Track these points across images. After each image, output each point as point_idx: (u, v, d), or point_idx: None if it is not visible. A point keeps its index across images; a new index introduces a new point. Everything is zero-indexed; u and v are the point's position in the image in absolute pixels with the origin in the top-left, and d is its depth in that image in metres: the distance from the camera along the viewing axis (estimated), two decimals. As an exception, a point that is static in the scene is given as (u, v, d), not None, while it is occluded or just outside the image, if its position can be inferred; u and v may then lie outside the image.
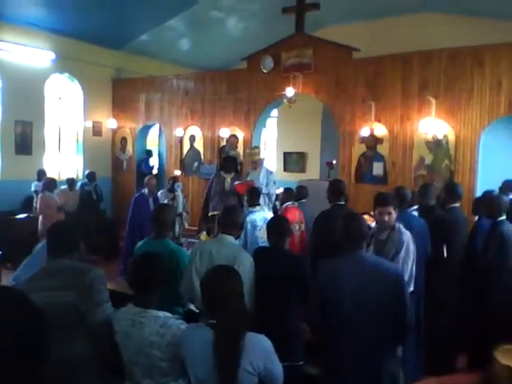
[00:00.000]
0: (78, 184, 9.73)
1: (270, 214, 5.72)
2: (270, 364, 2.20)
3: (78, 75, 11.13)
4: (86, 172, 10.15)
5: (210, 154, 10.56)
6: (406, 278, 3.58)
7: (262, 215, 5.53)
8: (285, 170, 13.19)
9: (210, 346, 2.11)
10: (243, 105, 9.99)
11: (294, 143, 13.06)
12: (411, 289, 3.67)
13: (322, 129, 12.55)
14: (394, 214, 3.72)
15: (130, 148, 11.86)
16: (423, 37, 9.19)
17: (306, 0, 8.76)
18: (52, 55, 10.28)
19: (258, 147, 8.24)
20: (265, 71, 9.32)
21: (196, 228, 8.32)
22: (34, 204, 8.68)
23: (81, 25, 9.97)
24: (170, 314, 2.45)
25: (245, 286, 2.44)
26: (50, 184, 8.31)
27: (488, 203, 4.85)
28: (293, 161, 13.24)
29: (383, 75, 8.34)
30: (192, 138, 10.86)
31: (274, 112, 11.92)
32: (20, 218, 8.81)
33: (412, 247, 3.68)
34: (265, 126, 11.11)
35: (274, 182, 7.27)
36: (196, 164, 10.75)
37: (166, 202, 7.80)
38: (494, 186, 6.32)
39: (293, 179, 10.08)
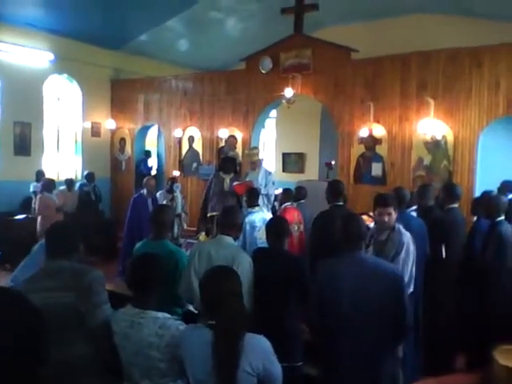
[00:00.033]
0: (77, 185, 9.72)
1: (268, 215, 5.72)
2: (269, 365, 2.20)
3: (76, 76, 11.13)
4: (85, 173, 10.14)
5: (209, 155, 10.56)
6: (406, 279, 3.58)
7: (260, 216, 5.54)
8: (284, 170, 13.18)
9: (208, 346, 2.11)
10: (242, 105, 9.99)
11: (292, 144, 13.06)
12: (411, 290, 3.67)
13: (320, 129, 12.56)
14: (394, 215, 3.72)
15: (128, 149, 11.85)
16: (422, 37, 9.19)
17: (304, 1, 8.77)
18: (50, 56, 10.28)
19: (256, 148, 8.23)
20: (263, 72, 9.33)
21: (195, 229, 8.31)
22: (33, 205, 8.67)
23: (79, 25, 9.96)
24: (168, 315, 2.44)
25: (243, 287, 2.44)
26: (49, 185, 8.30)
27: (487, 204, 4.86)
28: (292, 161, 13.23)
29: (382, 76, 8.35)
30: (191, 139, 10.86)
31: (273, 113, 11.91)
32: (19, 219, 8.80)
33: (412, 248, 3.68)
34: (264, 127, 11.11)
35: (273, 183, 7.27)
36: (195, 165, 10.75)
37: (164, 202, 7.80)
38: (493, 186, 6.33)
39: (292, 180, 10.09)
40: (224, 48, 11.95)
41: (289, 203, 6.05)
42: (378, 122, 8.40)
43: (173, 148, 11.13)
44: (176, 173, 10.26)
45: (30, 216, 8.74)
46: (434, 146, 7.87)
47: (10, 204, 9.37)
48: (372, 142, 8.47)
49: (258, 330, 2.22)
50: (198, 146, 10.77)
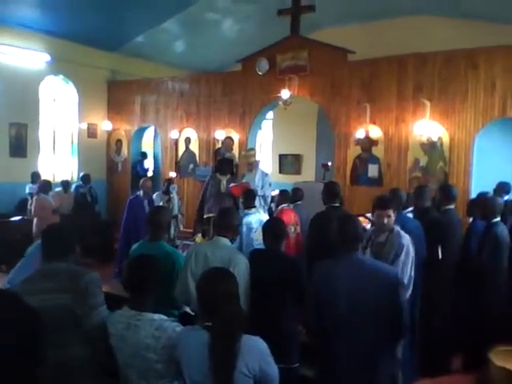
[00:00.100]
0: (73, 186, 9.70)
1: (265, 216, 5.72)
2: (266, 366, 2.20)
3: (72, 77, 11.11)
4: (81, 174, 10.12)
5: (206, 156, 10.56)
6: (406, 281, 3.59)
7: (257, 217, 5.53)
8: (280, 171, 13.20)
9: (205, 348, 2.11)
10: (238, 107, 9.99)
11: (289, 145, 13.08)
12: (410, 292, 3.67)
13: (317, 131, 12.57)
14: (393, 217, 3.73)
15: (125, 150, 11.84)
16: (418, 39, 9.23)
17: (301, 2, 8.78)
18: (47, 57, 10.26)
19: (253, 149, 8.24)
20: (260, 73, 9.33)
21: (191, 230, 8.32)
22: (29, 206, 8.64)
23: (76, 27, 9.95)
24: (165, 317, 2.44)
25: (240, 288, 2.44)
26: (45, 186, 8.28)
27: (482, 205, 4.88)
28: (288, 163, 13.25)
29: (378, 77, 8.37)
30: (187, 140, 10.85)
31: (270, 114, 11.93)
32: (14, 221, 8.77)
33: (411, 250, 3.69)
34: (260, 128, 11.12)
35: (270, 184, 7.28)
36: (191, 166, 10.74)
37: (161, 204, 7.79)
38: (489, 187, 6.36)
39: (288, 181, 10.09)
40: (220, 49, 11.96)
41: (285, 204, 6.05)
42: (374, 123, 8.42)
43: (169, 149, 11.12)
44: (172, 174, 10.26)
45: (25, 218, 8.70)
46: (430, 148, 7.90)
47: (6, 205, 9.33)
48: (368, 143, 8.49)
49: (254, 331, 2.22)
50: (194, 147, 10.77)
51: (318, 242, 4.54)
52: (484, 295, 4.56)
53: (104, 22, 10.01)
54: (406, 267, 3.63)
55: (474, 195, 6.75)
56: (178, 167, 10.92)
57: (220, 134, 10.10)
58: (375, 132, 8.42)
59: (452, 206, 4.91)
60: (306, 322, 3.19)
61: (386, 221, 3.68)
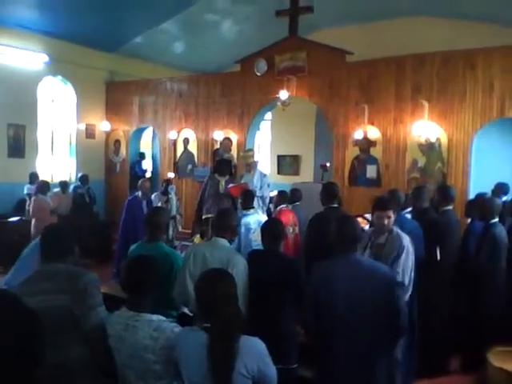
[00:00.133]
0: (71, 187, 9.69)
1: (263, 217, 5.72)
2: (264, 367, 2.20)
3: (71, 78, 11.10)
4: (79, 175, 10.11)
5: (204, 157, 10.56)
6: (406, 282, 3.60)
7: (255, 218, 5.54)
8: (279, 172, 13.20)
9: (204, 349, 2.11)
10: (237, 108, 10.00)
11: (287, 146, 13.08)
12: (409, 293, 3.67)
13: (315, 132, 12.58)
14: (393, 218, 3.74)
15: (123, 151, 11.83)
16: (416, 40, 9.24)
17: (299, 3, 8.79)
18: (45, 58, 10.25)
19: (251, 150, 8.24)
20: (258, 74, 9.34)
21: (190, 231, 8.31)
22: (27, 207, 8.63)
23: (74, 27, 9.94)
24: (163, 318, 2.44)
25: (238, 289, 2.44)
26: (43, 187, 8.27)
27: (481, 206, 4.88)
28: (286, 163, 13.26)
29: (376, 78, 8.38)
30: (186, 141, 10.86)
31: (268, 115, 11.94)
32: (12, 221, 8.75)
33: (411, 251, 3.70)
34: (259, 129, 11.12)
35: (268, 185, 7.28)
36: (190, 167, 10.75)
37: (159, 204, 7.78)
38: (487, 188, 6.36)
39: (287, 182, 10.09)
40: (219, 50, 11.97)
41: (284, 205, 6.05)
42: (372, 124, 8.43)
43: (168, 150, 11.12)
44: (171, 175, 10.26)
45: (23, 218, 8.70)
46: (429, 149, 7.91)
47: (4, 206, 9.32)
48: (367, 144, 8.50)
49: (253, 332, 2.22)
50: (192, 147, 10.77)
51: (317, 243, 4.54)
52: (482, 296, 4.57)
53: (102, 23, 10.01)
54: (407, 268, 3.63)
55: (472, 196, 6.76)
56: (176, 168, 10.92)
57: (218, 135, 10.10)
58: (373, 133, 8.43)
59: (450, 207, 4.92)
60: (305, 322, 3.19)
61: (385, 222, 3.69)
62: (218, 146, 10.07)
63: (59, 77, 10.99)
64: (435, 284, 4.48)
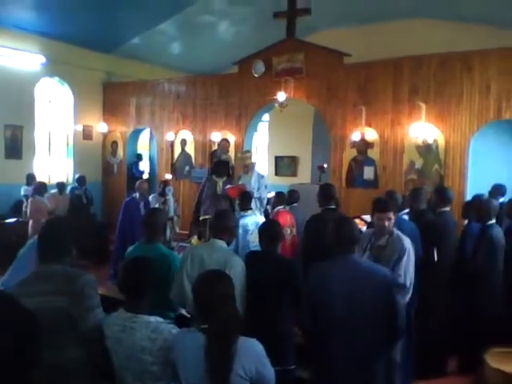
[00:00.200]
0: (68, 188, 9.67)
1: (261, 219, 5.72)
2: (262, 368, 2.20)
3: (68, 79, 11.08)
4: (76, 176, 10.10)
5: (201, 158, 10.56)
6: (408, 283, 3.60)
7: (253, 219, 5.53)
8: (276, 174, 13.21)
9: (201, 350, 2.11)
10: (234, 109, 10.00)
11: (285, 147, 13.09)
12: (410, 295, 3.68)
13: (313, 133, 12.60)
14: (393, 220, 3.74)
15: (120, 152, 11.82)
16: (413, 42, 9.27)
17: (297, 5, 8.80)
18: (42, 59, 10.23)
19: (249, 151, 8.24)
20: (256, 76, 9.35)
21: (187, 232, 8.30)
22: (24, 208, 8.60)
23: (71, 28, 9.94)
24: (161, 319, 2.43)
25: (236, 290, 2.44)
26: (41, 188, 8.25)
27: (478, 207, 4.89)
28: (284, 165, 13.27)
29: (374, 80, 8.40)
30: (183, 142, 10.85)
31: (266, 116, 11.94)
32: (9, 223, 8.73)
33: (412, 253, 3.70)
34: (256, 130, 11.12)
35: (266, 186, 7.28)
36: (187, 168, 10.74)
37: (157, 206, 7.78)
38: (484, 190, 6.38)
39: (284, 183, 10.10)
40: (216, 51, 11.97)
41: (281, 206, 6.05)
42: (370, 125, 8.44)
43: (165, 151, 11.11)
44: (168, 176, 10.25)
45: (20, 220, 8.67)
46: (426, 150, 7.93)
47: (1, 207, 9.30)
48: (364, 145, 8.51)
49: (250, 333, 2.22)
50: (190, 149, 10.77)
51: (314, 244, 4.54)
52: (479, 297, 4.58)
53: (99, 24, 10.01)
54: (409, 270, 3.63)
55: (469, 197, 6.77)
56: (173, 169, 10.92)
57: (216, 136, 10.10)
58: (371, 134, 8.45)
59: (447, 209, 4.93)
60: (302, 323, 3.19)
61: (386, 223, 3.69)
62: (215, 147, 10.07)
63: (56, 78, 10.98)
64: (432, 285, 4.48)
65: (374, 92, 8.38)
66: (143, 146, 13.01)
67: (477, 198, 5.49)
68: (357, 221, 4.68)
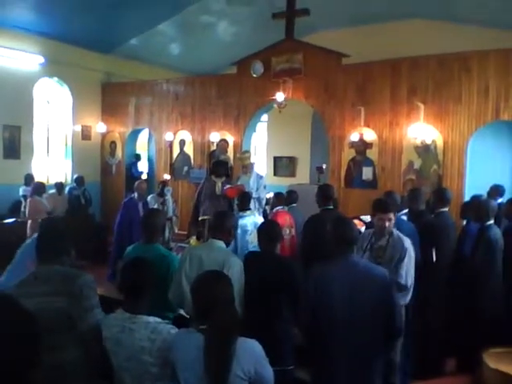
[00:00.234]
0: (67, 188, 9.66)
1: (260, 219, 5.72)
2: (261, 369, 2.19)
3: (67, 79, 11.07)
4: (75, 176, 10.10)
5: (200, 159, 10.56)
6: (409, 284, 3.60)
7: (252, 220, 5.53)
8: (275, 174, 13.21)
9: (200, 351, 2.11)
10: (233, 109, 10.00)
11: (284, 148, 13.09)
12: (410, 295, 3.68)
13: (311, 133, 12.61)
14: (394, 220, 3.74)
15: (119, 152, 11.81)
16: (412, 43, 9.28)
17: (295, 6, 8.81)
18: (41, 59, 10.22)
19: (248, 151, 8.24)
20: (255, 76, 9.35)
21: (186, 232, 8.30)
22: (22, 209, 8.59)
23: (70, 29, 9.93)
24: (160, 320, 2.43)
25: (234, 290, 2.44)
26: (39, 188, 8.23)
27: (476, 208, 4.90)
28: (283, 165, 13.27)
29: (372, 81, 8.41)
30: (182, 143, 10.85)
31: (264, 117, 11.95)
32: (8, 223, 8.71)
33: (413, 253, 3.70)
34: (255, 131, 11.13)
35: (265, 187, 7.28)
36: (186, 168, 10.74)
37: (155, 206, 7.78)
38: (482, 190, 6.39)
39: (283, 183, 10.10)
40: (215, 52, 11.98)
41: (280, 207, 6.05)
42: (368, 126, 8.45)
43: (164, 151, 11.11)
44: (167, 176, 10.24)
45: (19, 220, 8.66)
46: (424, 151, 7.94)
47: (-1, 208, 9.30)
48: (363, 146, 8.52)
49: (249, 333, 2.22)
50: (189, 149, 10.77)
51: (313, 245, 4.55)
52: (477, 298, 4.58)
53: (98, 24, 10.00)
54: (410, 270, 3.64)
55: (467, 198, 6.78)
56: (172, 169, 10.91)
57: (215, 137, 10.10)
58: (369, 135, 8.46)
59: (446, 209, 4.93)
60: (299, 322, 3.19)
61: (387, 224, 3.69)
62: (214, 147, 10.07)
63: (55, 78, 10.97)
64: (431, 285, 4.49)
65: (373, 92, 8.39)
66: (142, 146, 13.00)
67: (475, 199, 5.50)
68: (355, 221, 4.69)
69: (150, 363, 2.32)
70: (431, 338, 4.57)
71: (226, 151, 9.62)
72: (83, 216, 9.45)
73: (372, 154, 8.46)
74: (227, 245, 3.50)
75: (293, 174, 12.96)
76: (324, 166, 9.30)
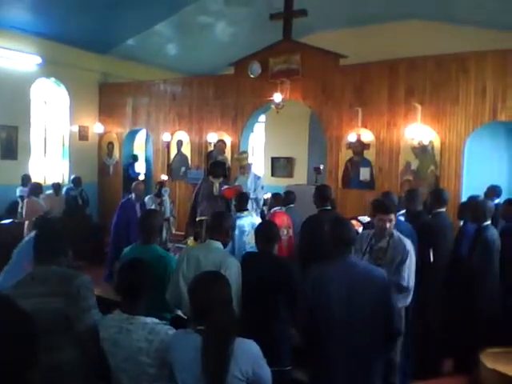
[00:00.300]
0: (64, 189, 9.64)
1: (257, 219, 5.72)
2: (259, 369, 2.19)
3: (64, 79, 11.05)
4: (72, 177, 10.08)
5: (198, 159, 10.55)
6: (411, 285, 3.60)
7: (249, 220, 5.54)
8: (272, 175, 13.21)
9: (198, 352, 2.11)
10: (231, 110, 10.00)
11: (281, 148, 13.09)
12: (411, 297, 3.68)
13: (309, 134, 12.61)
14: (394, 221, 3.74)
15: (116, 153, 11.80)
16: (409, 44, 9.30)
17: (293, 6, 8.81)
18: (38, 59, 10.21)
19: (246, 152, 8.24)
20: (252, 77, 9.34)
21: (183, 233, 8.30)
22: (19, 209, 8.58)
23: (67, 29, 9.92)
24: (157, 320, 2.43)
25: (232, 291, 2.44)
26: (36, 189, 8.22)
27: (473, 208, 4.91)
28: (280, 166, 13.27)
29: (370, 81, 8.42)
30: (179, 143, 10.84)
31: (262, 117, 11.95)
32: (5, 224, 8.68)
33: (414, 255, 3.70)
34: (252, 131, 11.13)
35: (262, 187, 7.29)
36: (183, 169, 10.73)
37: (153, 207, 7.77)
38: (479, 191, 6.40)
39: (280, 184, 10.10)
40: (213, 52, 11.97)
41: (278, 207, 6.05)
42: (365, 127, 8.46)
43: (161, 152, 11.10)
44: (164, 177, 10.24)
45: (16, 221, 8.64)
46: (421, 151, 7.95)
47: (-4, 208, 9.27)
48: (360, 146, 8.53)
49: (246, 334, 2.22)
50: (186, 150, 10.76)
51: (310, 245, 4.56)
52: (475, 298, 4.59)
53: (95, 25, 9.99)
54: (411, 272, 3.64)
55: (464, 198, 6.79)
56: (169, 170, 10.90)
57: (212, 137, 10.09)
58: (367, 136, 8.46)
59: (443, 210, 4.94)
60: (297, 322, 3.19)
61: (387, 225, 3.68)
62: (211, 148, 10.07)
63: (52, 78, 10.95)
64: (428, 286, 4.49)
65: (370, 93, 8.39)
66: (139, 146, 12.99)
67: (472, 199, 5.52)
68: (353, 222, 4.69)
69: (148, 364, 2.32)
70: (428, 339, 4.57)
71: (224, 152, 9.61)
72: (80, 217, 9.43)
73: (369, 154, 8.47)
74: (225, 245, 3.50)
75: (290, 175, 12.97)
76: (321, 167, 9.31)
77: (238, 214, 5.64)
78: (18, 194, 9.04)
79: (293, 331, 3.44)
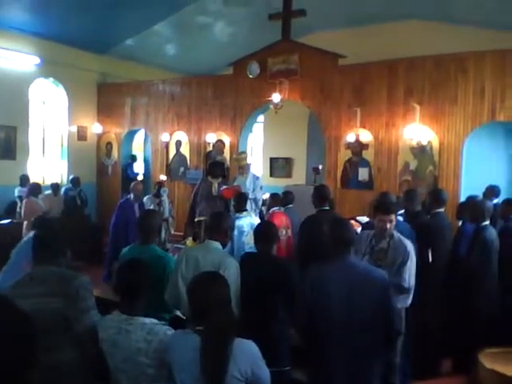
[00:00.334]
0: (63, 189, 9.63)
1: (256, 220, 5.72)
2: (258, 369, 2.19)
3: (62, 80, 11.04)
4: (71, 177, 10.07)
5: (196, 160, 10.55)
6: (412, 286, 3.60)
7: (248, 221, 5.54)
8: (271, 175, 13.20)
9: (197, 352, 2.10)
10: (229, 110, 10.00)
11: (280, 148, 13.09)
12: (411, 297, 3.68)
13: (308, 134, 12.61)
14: (395, 222, 3.73)
15: (115, 153, 11.79)
16: (408, 44, 9.30)
17: (292, 7, 8.81)
18: (37, 59, 10.20)
19: (244, 152, 8.25)
20: (251, 77, 9.35)
21: (182, 233, 8.29)
22: (18, 209, 8.57)
23: (66, 29, 9.91)
24: (156, 321, 2.43)
25: (231, 291, 2.44)
26: (35, 189, 8.21)
27: (472, 208, 4.91)
28: (279, 166, 13.27)
29: (369, 81, 8.42)
30: (178, 143, 10.84)
31: (261, 117, 11.95)
32: (3, 224, 8.67)
33: (414, 256, 3.70)
34: (251, 132, 11.13)
35: (261, 188, 7.29)
36: (182, 169, 10.72)
37: (151, 207, 7.77)
38: (478, 191, 6.40)
39: (279, 184, 10.11)
40: (212, 52, 11.97)
41: (276, 208, 6.05)
42: (364, 127, 8.46)
43: (160, 152, 11.09)
44: (163, 177, 10.24)
45: (14, 221, 8.63)
46: (420, 152, 7.95)
47: (-5, 209, 9.26)
48: (359, 147, 8.53)
49: (245, 334, 2.22)
50: (185, 150, 10.75)
51: (309, 245, 4.55)
52: (473, 298, 4.59)
53: (94, 25, 9.98)
54: (412, 273, 3.63)
55: (463, 198, 6.79)
56: (168, 170, 10.90)
57: (211, 137, 10.09)
58: (365, 136, 8.47)
59: (442, 210, 4.94)
60: (296, 323, 3.19)
61: (388, 226, 3.67)
62: (210, 148, 10.06)
63: (51, 79, 10.94)
64: (427, 286, 4.49)
65: (369, 93, 8.40)
66: (138, 147, 12.98)
67: (471, 200, 5.51)
68: (352, 222, 4.69)
69: (147, 364, 2.32)
70: (427, 339, 4.57)
71: (223, 152, 9.61)
72: (79, 217, 9.42)
73: (368, 154, 8.47)
74: (223, 246, 3.50)
75: (289, 175, 12.97)
76: (320, 167, 9.31)
77: (237, 215, 5.63)
78: (16, 194, 9.03)
79: (292, 331, 3.44)
